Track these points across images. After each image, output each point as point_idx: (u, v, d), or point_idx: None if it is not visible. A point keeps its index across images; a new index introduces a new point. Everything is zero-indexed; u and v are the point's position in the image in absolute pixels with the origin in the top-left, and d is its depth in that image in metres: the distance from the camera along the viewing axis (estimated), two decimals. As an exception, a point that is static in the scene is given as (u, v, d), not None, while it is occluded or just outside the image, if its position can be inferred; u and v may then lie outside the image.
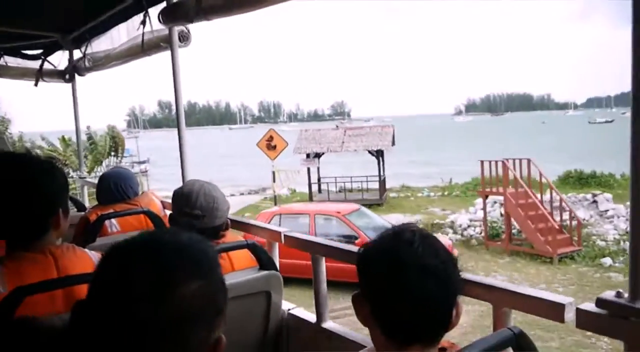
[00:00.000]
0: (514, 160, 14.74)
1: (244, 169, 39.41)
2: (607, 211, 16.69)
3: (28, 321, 1.16)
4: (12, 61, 4.75)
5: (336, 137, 22.27)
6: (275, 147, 19.26)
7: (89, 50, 4.42)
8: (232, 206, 2.19)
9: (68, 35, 4.35)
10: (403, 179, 26.66)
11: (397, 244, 1.09)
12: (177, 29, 3.03)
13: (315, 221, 12.25)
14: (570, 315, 1.28)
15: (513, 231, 14.86)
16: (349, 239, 10.90)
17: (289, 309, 2.15)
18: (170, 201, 2.34)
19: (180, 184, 2.35)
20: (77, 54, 4.65)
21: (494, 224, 15.75)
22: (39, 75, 4.72)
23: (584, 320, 1.23)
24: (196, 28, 3.11)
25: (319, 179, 22.52)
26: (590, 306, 1.23)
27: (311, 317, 2.10)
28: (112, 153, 21.27)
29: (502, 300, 1.44)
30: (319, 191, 22.44)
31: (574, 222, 14.05)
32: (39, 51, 4.75)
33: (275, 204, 18.75)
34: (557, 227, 13.65)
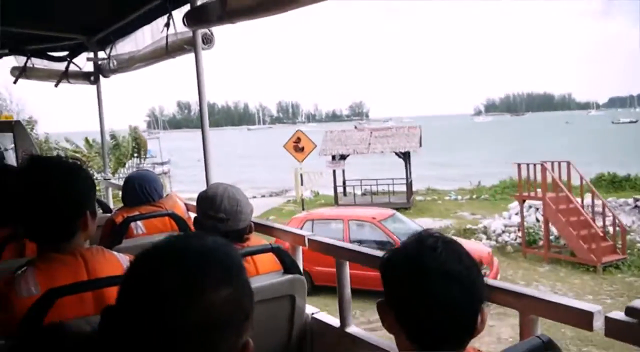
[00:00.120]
0: (552, 163, 13.91)
1: (263, 170, 39.27)
2: (652, 216, 15.71)
3: (58, 327, 1.17)
4: (38, 63, 4.84)
5: (362, 139, 21.64)
6: (302, 149, 18.77)
7: (113, 52, 4.48)
8: (254, 208, 2.19)
9: (93, 37, 4.41)
10: (426, 182, 25.82)
11: (420, 249, 1.10)
12: (200, 31, 3.04)
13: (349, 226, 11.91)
14: (598, 323, 1.26)
15: (550, 237, 14.04)
16: (384, 245, 10.52)
17: (312, 313, 2.14)
18: (193, 203, 2.36)
19: (201, 186, 2.37)
20: (101, 55, 4.72)
21: (530, 229, 14.79)
22: (65, 76, 4.79)
23: (613, 329, 1.21)
24: (216, 29, 3.13)
25: (344, 182, 21.95)
26: (619, 315, 1.20)
27: (335, 321, 2.09)
28: (135, 154, 21.45)
29: (528, 307, 1.42)
30: (344, 193, 21.84)
31: (617, 229, 13.20)
32: (65, 53, 4.83)
33: (303, 209, 18.35)
34: (600, 234, 12.90)
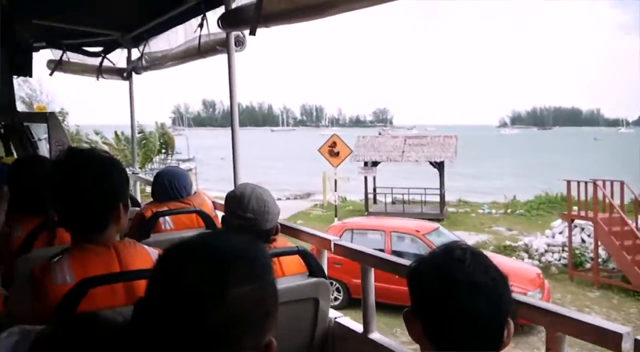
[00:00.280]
0: (603, 181, 13.12)
1: (286, 173, 39.17)
2: None
3: (93, 317, 1.20)
4: (74, 57, 4.96)
5: (396, 146, 21.02)
6: (338, 153, 18.38)
7: (146, 50, 4.56)
8: (281, 210, 2.20)
9: (127, 34, 4.50)
10: (455, 193, 24.87)
11: (448, 260, 1.10)
12: (233, 33, 3.08)
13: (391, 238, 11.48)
14: (627, 345, 1.24)
15: (599, 260, 13.26)
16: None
17: (335, 318, 2.14)
18: (220, 201, 2.38)
19: (225, 184, 2.39)
20: (134, 52, 4.81)
21: (576, 250, 13.91)
22: (99, 71, 4.90)
23: None
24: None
25: (374, 189, 21.32)
26: None
27: (358, 327, 2.09)
28: (163, 150, 21.68)
29: (555, 324, 1.41)
30: (374, 201, 21.19)
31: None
32: (99, 49, 4.94)
33: (336, 215, 18.05)
34: (658, 260, 11.97)
